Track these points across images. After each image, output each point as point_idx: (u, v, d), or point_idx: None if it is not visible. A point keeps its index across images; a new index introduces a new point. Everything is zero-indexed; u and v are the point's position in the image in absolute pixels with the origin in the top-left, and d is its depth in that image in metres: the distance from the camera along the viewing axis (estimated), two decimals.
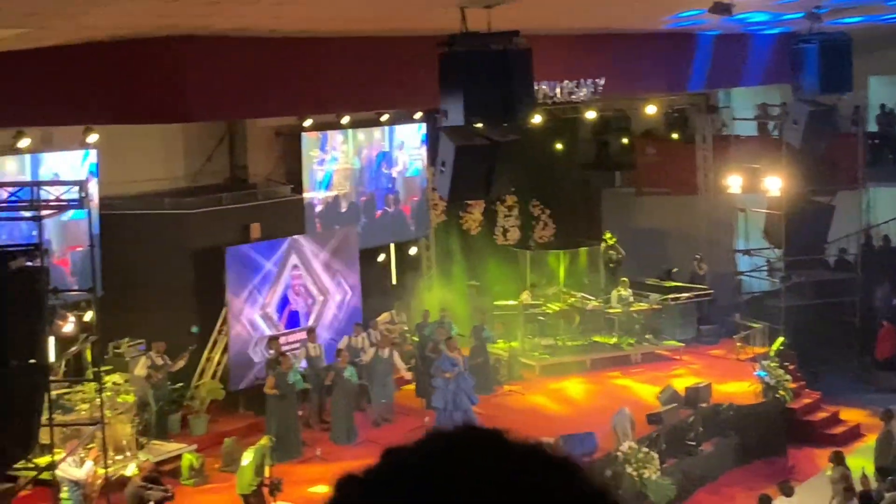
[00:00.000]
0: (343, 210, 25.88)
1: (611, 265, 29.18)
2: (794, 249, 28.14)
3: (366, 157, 26.43)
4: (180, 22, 14.42)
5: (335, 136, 25.66)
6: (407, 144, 27.36)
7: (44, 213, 14.74)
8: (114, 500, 16.43)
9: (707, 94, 30.39)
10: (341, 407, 21.65)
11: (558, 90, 21.12)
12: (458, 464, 1.36)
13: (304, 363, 22.78)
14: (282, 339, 22.78)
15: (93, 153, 21.07)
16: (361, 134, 26.29)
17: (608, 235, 29.77)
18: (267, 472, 17.16)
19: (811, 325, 27.39)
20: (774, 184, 28.08)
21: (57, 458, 15.77)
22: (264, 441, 17.95)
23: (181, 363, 21.04)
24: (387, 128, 26.85)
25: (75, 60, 15.76)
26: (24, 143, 19.60)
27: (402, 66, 18.35)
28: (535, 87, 17.70)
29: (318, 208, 25.30)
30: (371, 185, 26.61)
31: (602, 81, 21.84)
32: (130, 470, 17.99)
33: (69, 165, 20.52)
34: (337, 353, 22.24)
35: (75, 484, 16.61)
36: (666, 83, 25.30)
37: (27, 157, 20.09)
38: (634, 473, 19.63)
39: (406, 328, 25.39)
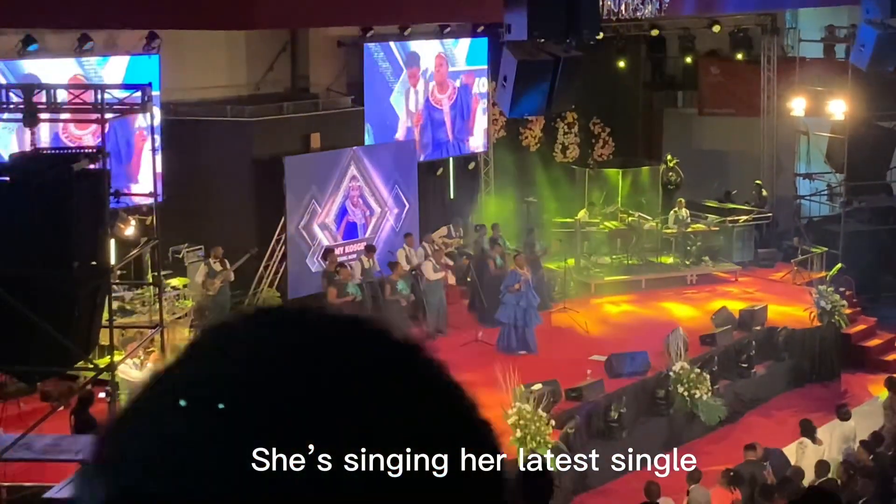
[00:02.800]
0: (397, 124, 25.82)
1: (669, 187, 29.04)
2: (856, 174, 27.89)
3: (417, 72, 26.28)
4: None
5: (388, 50, 25.49)
6: (458, 61, 27.13)
7: (108, 115, 14.83)
8: None
9: (773, 15, 29.99)
10: (395, 319, 21.77)
11: (623, 6, 20.87)
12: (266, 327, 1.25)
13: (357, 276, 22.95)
14: (339, 251, 22.91)
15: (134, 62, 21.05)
16: (413, 47, 26.12)
17: (669, 157, 29.60)
18: None
19: (870, 250, 27.20)
20: (838, 107, 27.79)
21: (116, 358, 16.00)
22: None
23: (239, 263, 21.10)
24: (437, 42, 26.66)
25: None
26: (88, 46, 19.71)
27: None
28: (600, 3, 17.56)
29: (374, 121, 25.23)
30: (422, 102, 26.46)
31: None
32: None
33: (108, 73, 20.44)
34: (390, 265, 22.33)
35: None
36: (732, 2, 24.96)
37: (72, 62, 20.11)
38: (686, 393, 19.67)
39: (462, 242, 25.46)
